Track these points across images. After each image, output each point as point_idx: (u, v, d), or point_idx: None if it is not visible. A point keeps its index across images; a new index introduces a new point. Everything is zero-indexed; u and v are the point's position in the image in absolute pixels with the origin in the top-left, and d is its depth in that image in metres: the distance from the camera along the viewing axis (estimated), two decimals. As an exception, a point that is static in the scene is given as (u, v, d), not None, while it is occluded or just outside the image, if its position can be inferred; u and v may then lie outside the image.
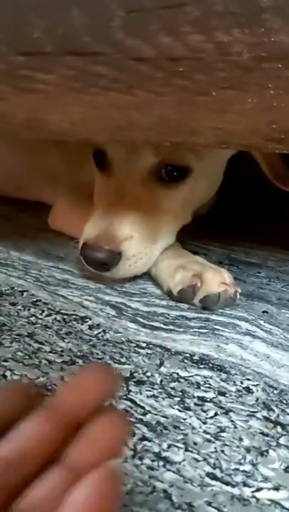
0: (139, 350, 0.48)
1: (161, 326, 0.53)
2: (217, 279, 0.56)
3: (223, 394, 0.42)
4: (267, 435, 0.38)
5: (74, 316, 0.54)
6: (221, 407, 0.41)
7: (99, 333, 0.51)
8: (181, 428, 0.38)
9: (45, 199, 0.90)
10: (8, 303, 0.57)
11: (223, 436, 0.37)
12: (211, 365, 0.46)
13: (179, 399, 0.41)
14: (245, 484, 0.33)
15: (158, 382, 0.43)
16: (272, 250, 0.78)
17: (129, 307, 0.57)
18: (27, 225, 0.87)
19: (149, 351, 0.48)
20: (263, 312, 0.57)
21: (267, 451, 0.36)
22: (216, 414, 0.40)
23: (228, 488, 0.33)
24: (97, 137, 0.41)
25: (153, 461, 0.35)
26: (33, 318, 0.54)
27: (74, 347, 0.48)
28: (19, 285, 0.62)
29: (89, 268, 0.59)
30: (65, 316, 0.54)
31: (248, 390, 0.43)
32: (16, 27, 0.28)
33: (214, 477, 0.34)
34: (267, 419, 0.39)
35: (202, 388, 0.43)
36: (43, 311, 0.55)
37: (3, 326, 0.52)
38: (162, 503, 0.32)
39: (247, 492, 0.32)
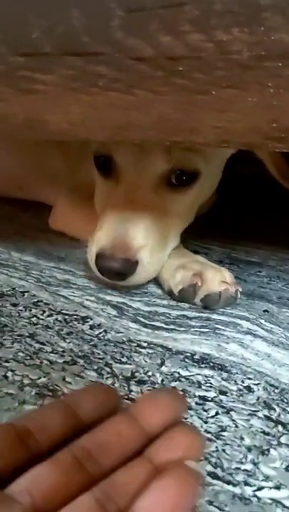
0: (140, 349, 0.48)
1: (163, 325, 0.53)
2: (217, 278, 0.56)
3: (224, 393, 0.42)
4: (268, 434, 0.38)
5: (75, 316, 0.54)
6: (222, 406, 0.41)
7: (100, 333, 0.51)
8: (183, 427, 0.38)
9: (45, 199, 0.90)
10: (9, 304, 0.57)
11: (224, 436, 0.37)
12: (212, 364, 0.46)
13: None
14: (246, 483, 0.33)
15: (159, 381, 0.43)
16: (272, 249, 0.78)
17: (130, 307, 0.57)
18: (28, 225, 0.87)
19: (150, 351, 0.48)
20: (264, 311, 0.57)
21: (268, 450, 0.36)
22: (217, 413, 0.40)
23: (230, 488, 0.33)
24: (97, 137, 0.41)
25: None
26: (34, 319, 0.54)
27: (75, 347, 0.48)
28: (20, 286, 0.62)
29: (102, 278, 0.58)
30: (66, 317, 0.54)
31: (249, 389, 0.43)
32: (14, 27, 0.28)
33: (215, 476, 0.34)
34: (268, 418, 0.39)
35: (203, 387, 0.43)
36: (44, 312, 0.55)
37: (4, 326, 0.52)
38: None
39: (248, 491, 0.32)
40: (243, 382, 0.44)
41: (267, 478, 0.34)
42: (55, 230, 0.81)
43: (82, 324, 0.53)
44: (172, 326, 0.53)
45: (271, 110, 0.29)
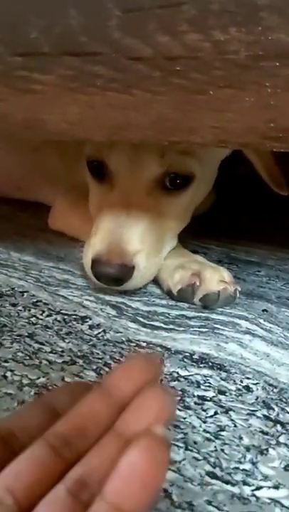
0: (140, 349, 0.48)
1: (162, 325, 0.53)
2: (216, 278, 0.56)
3: (223, 393, 0.42)
4: (267, 434, 0.38)
5: (74, 316, 0.54)
6: (221, 406, 0.41)
7: (99, 333, 0.51)
8: (181, 427, 0.38)
9: (44, 199, 0.90)
10: (8, 304, 0.57)
11: (223, 435, 0.37)
12: (210, 364, 0.46)
13: (178, 398, 0.41)
14: (245, 483, 0.33)
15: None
16: (271, 249, 0.78)
17: (130, 307, 0.57)
18: (27, 225, 0.87)
19: (150, 350, 0.48)
20: (263, 311, 0.57)
21: (267, 449, 0.36)
22: (215, 413, 0.40)
23: (228, 487, 0.33)
24: (95, 137, 0.41)
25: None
26: (33, 319, 0.54)
27: (74, 347, 0.48)
28: (19, 286, 0.62)
29: (99, 283, 0.57)
30: (66, 317, 0.54)
31: (247, 388, 0.43)
32: (12, 28, 0.28)
33: (214, 476, 0.34)
34: (267, 417, 0.39)
35: (202, 387, 0.43)
36: (44, 312, 0.55)
37: (3, 326, 0.52)
38: (162, 502, 0.32)
39: (247, 491, 0.32)
40: (241, 381, 0.44)
41: (266, 477, 0.34)
42: (54, 230, 0.81)
43: (82, 324, 0.53)
44: (171, 326, 0.53)
45: (268, 110, 0.29)
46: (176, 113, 0.32)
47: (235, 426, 0.38)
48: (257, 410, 0.40)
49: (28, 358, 0.46)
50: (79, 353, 0.47)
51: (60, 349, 0.48)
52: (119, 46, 0.26)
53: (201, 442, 0.37)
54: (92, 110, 0.34)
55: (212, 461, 0.35)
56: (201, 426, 0.38)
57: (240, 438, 0.37)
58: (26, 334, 0.50)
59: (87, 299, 0.59)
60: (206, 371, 0.45)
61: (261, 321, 0.55)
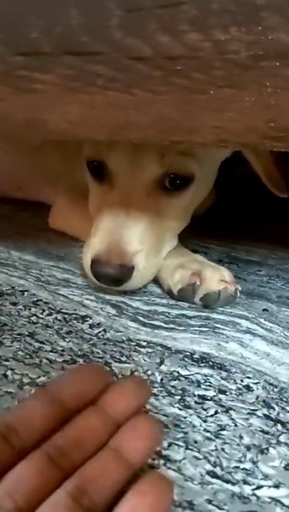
0: (140, 349, 0.48)
1: (162, 324, 0.53)
2: (216, 277, 0.56)
3: (223, 392, 0.42)
4: (267, 433, 0.38)
5: (74, 315, 0.55)
6: (222, 405, 0.41)
7: (99, 332, 0.51)
8: (182, 426, 0.38)
9: (44, 199, 0.90)
10: (8, 302, 0.57)
11: (223, 435, 0.37)
12: (211, 363, 0.46)
13: (179, 397, 0.41)
14: (245, 482, 0.33)
15: (158, 380, 0.43)
16: (272, 248, 0.78)
17: (130, 306, 0.57)
18: (27, 224, 0.87)
19: (150, 350, 0.48)
20: (263, 310, 0.57)
21: (267, 449, 0.36)
22: (216, 412, 0.40)
23: (229, 486, 0.33)
24: (96, 136, 0.41)
25: (153, 459, 0.35)
26: (33, 318, 0.54)
27: (74, 346, 0.48)
28: (20, 285, 0.62)
29: (99, 283, 0.57)
30: (66, 316, 0.54)
31: (248, 388, 0.43)
32: (13, 27, 0.28)
33: (214, 475, 0.34)
34: (267, 417, 0.39)
35: (202, 386, 0.43)
36: (44, 311, 0.55)
37: (4, 325, 0.52)
38: (163, 501, 0.32)
39: (247, 490, 0.33)
40: (242, 381, 0.44)
41: (266, 477, 0.34)
42: (55, 229, 0.81)
43: (82, 323, 0.53)
44: (172, 325, 0.53)
45: (269, 110, 0.29)
46: (176, 113, 0.32)
47: (235, 425, 0.38)
48: (257, 409, 0.40)
49: (28, 356, 0.46)
50: (79, 352, 0.47)
51: (61, 348, 0.48)
52: (119, 46, 0.26)
53: (202, 441, 0.37)
54: (93, 110, 0.34)
55: (212, 460, 0.35)
56: (201, 425, 0.38)
57: (241, 437, 0.37)
58: (27, 333, 0.50)
59: (87, 298, 0.59)
60: (206, 370, 0.45)
61: (262, 320, 0.55)
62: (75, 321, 0.53)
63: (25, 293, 0.60)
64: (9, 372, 0.44)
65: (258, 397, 0.42)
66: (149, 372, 0.44)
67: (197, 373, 0.45)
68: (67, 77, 0.30)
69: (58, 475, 0.24)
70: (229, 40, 0.24)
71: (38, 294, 0.59)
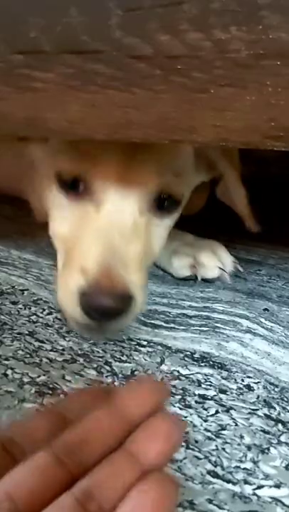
0: (140, 348, 0.48)
1: (162, 324, 0.53)
2: (213, 264, 0.59)
3: (224, 392, 0.42)
4: (268, 433, 0.38)
5: (75, 315, 0.54)
6: (222, 405, 0.41)
7: (100, 331, 0.51)
8: (182, 426, 0.38)
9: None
10: (9, 302, 0.57)
11: (224, 434, 0.37)
12: (211, 363, 0.46)
13: (179, 397, 0.41)
14: (246, 482, 0.33)
15: (159, 380, 0.43)
16: (272, 248, 0.78)
17: (130, 305, 0.57)
18: (27, 224, 0.86)
19: (150, 349, 0.48)
20: (264, 310, 0.57)
21: (268, 448, 0.36)
22: (216, 412, 0.40)
23: (229, 486, 0.33)
24: (96, 135, 0.40)
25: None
26: (33, 317, 0.54)
27: (75, 345, 0.48)
28: (20, 284, 0.62)
29: (85, 322, 0.46)
30: (66, 315, 0.54)
31: (248, 387, 0.43)
32: (13, 26, 0.28)
33: (215, 475, 0.34)
34: (268, 416, 0.39)
35: (203, 386, 0.43)
36: (44, 310, 0.55)
37: (4, 324, 0.52)
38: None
39: (248, 490, 0.33)
40: (242, 380, 0.44)
41: (267, 476, 0.34)
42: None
43: (82, 323, 0.53)
44: (172, 325, 0.53)
45: (269, 109, 0.29)
46: (177, 112, 0.32)
47: (236, 425, 0.38)
48: (258, 409, 0.40)
49: (28, 356, 0.46)
50: (79, 352, 0.47)
51: (61, 347, 0.48)
52: (120, 45, 0.26)
53: (202, 441, 0.37)
54: (94, 108, 0.34)
55: (213, 460, 0.35)
56: (202, 425, 0.38)
57: (242, 437, 0.37)
58: (27, 332, 0.50)
59: (88, 298, 0.59)
60: (206, 370, 0.45)
61: (262, 320, 0.55)
62: (75, 321, 0.53)
63: (25, 292, 0.60)
64: (9, 372, 0.44)
65: (258, 397, 0.42)
66: (150, 372, 0.44)
67: (198, 373, 0.45)
68: (68, 76, 0.30)
69: (63, 475, 0.23)
70: (230, 39, 0.24)
71: (38, 293, 0.59)
